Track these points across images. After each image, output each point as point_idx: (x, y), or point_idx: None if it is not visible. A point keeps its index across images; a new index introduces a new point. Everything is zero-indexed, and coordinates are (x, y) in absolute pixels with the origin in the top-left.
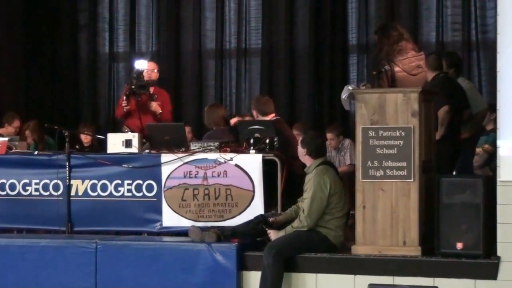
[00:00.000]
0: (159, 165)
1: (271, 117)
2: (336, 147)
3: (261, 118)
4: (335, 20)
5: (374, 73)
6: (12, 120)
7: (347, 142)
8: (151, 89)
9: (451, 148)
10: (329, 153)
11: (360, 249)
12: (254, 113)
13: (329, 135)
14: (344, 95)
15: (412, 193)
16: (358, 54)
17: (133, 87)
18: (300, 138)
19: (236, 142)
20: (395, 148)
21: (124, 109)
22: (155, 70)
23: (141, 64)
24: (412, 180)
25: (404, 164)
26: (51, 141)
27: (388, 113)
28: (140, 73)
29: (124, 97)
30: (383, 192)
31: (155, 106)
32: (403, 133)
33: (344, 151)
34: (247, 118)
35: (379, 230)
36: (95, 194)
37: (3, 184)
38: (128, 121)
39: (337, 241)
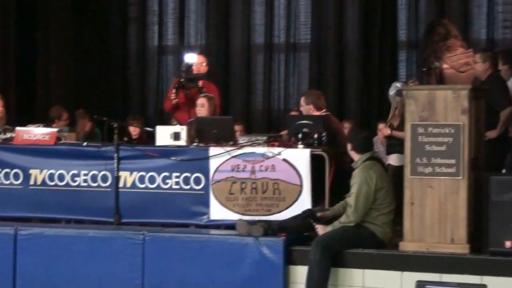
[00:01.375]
0: (207, 158)
1: (323, 112)
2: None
3: (316, 112)
4: (385, 16)
5: (424, 69)
6: (60, 114)
7: None
8: (200, 83)
9: (506, 145)
10: (377, 149)
11: (408, 246)
12: (310, 107)
13: (382, 125)
14: (392, 92)
15: (460, 191)
16: (408, 50)
17: (182, 80)
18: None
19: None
20: (444, 145)
21: (173, 102)
22: (204, 64)
23: (191, 58)
24: (461, 177)
25: (453, 161)
26: (97, 132)
27: (437, 110)
28: (189, 66)
29: (173, 90)
30: (432, 189)
31: None
32: (452, 130)
33: None
34: (293, 113)
35: (427, 227)
36: (143, 186)
37: (52, 175)
38: (176, 114)
39: (384, 237)
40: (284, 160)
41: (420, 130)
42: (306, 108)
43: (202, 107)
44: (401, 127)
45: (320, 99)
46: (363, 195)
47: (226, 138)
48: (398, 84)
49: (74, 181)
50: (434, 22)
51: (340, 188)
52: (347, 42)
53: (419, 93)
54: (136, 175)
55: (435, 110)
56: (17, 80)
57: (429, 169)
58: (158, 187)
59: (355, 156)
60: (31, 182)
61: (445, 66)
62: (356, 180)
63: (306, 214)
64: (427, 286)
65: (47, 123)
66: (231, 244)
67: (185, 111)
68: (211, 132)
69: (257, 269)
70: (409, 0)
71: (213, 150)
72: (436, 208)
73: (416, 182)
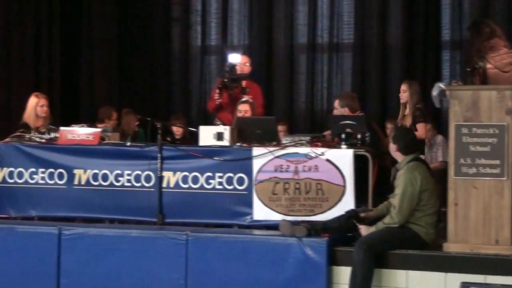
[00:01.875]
0: (250, 158)
1: (357, 113)
2: (431, 139)
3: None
4: (428, 16)
5: (468, 69)
6: (110, 114)
7: (439, 138)
8: (244, 83)
9: None
10: None
11: (451, 247)
12: (345, 109)
13: (429, 126)
14: (434, 92)
15: (505, 192)
16: (451, 50)
17: (225, 80)
18: (391, 134)
19: None
20: (489, 146)
21: (217, 102)
22: (248, 64)
23: (235, 58)
24: (505, 178)
25: (498, 162)
26: (140, 132)
27: (481, 110)
28: (233, 66)
29: (217, 90)
30: (476, 190)
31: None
32: (497, 131)
33: (436, 147)
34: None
35: (471, 228)
36: (187, 186)
37: (96, 175)
38: (220, 114)
39: (428, 238)
40: (328, 160)
41: (464, 130)
42: (341, 111)
43: (245, 114)
44: (412, 127)
45: (355, 101)
46: (407, 197)
47: (269, 138)
48: (441, 85)
49: (118, 181)
50: (479, 21)
51: (382, 189)
52: (390, 42)
53: (463, 94)
54: (179, 175)
55: (479, 111)
56: (61, 80)
57: (473, 170)
58: (201, 187)
59: (399, 157)
60: (75, 182)
61: (488, 66)
62: (400, 181)
63: (349, 215)
64: None
65: (97, 123)
66: (274, 245)
67: (229, 111)
68: (254, 132)
69: (300, 269)
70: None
71: (256, 150)
72: (480, 209)
73: (460, 183)
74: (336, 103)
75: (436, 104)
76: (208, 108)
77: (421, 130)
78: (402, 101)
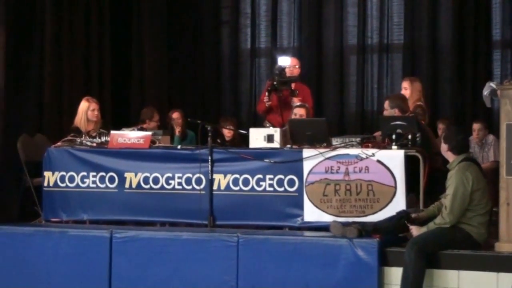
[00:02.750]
0: (300, 160)
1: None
2: (482, 139)
3: None
4: (479, 15)
5: None
6: (152, 115)
7: (490, 138)
8: (293, 85)
9: None
10: (472, 149)
11: (504, 247)
12: (395, 110)
13: (476, 125)
14: (486, 92)
15: None
16: (502, 49)
17: (275, 83)
18: (442, 134)
19: None
20: None
21: (266, 105)
22: (297, 66)
23: (285, 61)
24: None
25: None
26: (192, 134)
27: None
28: (282, 69)
29: (266, 93)
30: None
31: (296, 102)
32: None
33: (488, 147)
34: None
35: None
36: (237, 188)
37: (147, 178)
38: (269, 116)
39: (480, 238)
40: (378, 161)
41: None
42: (391, 112)
43: (301, 117)
44: None
45: (405, 102)
46: (459, 197)
47: (319, 140)
48: (492, 84)
49: (169, 184)
50: None
51: (434, 189)
52: (441, 42)
53: None
54: (230, 177)
55: None
56: (112, 84)
57: None
58: (252, 189)
59: (450, 157)
60: (126, 185)
61: None
62: (452, 182)
63: (400, 215)
64: None
65: (139, 123)
66: (325, 246)
67: (278, 113)
68: (304, 134)
69: (352, 270)
70: None
71: (306, 152)
72: None
73: None
74: (386, 104)
75: (487, 104)
76: (258, 110)
77: None
78: None
